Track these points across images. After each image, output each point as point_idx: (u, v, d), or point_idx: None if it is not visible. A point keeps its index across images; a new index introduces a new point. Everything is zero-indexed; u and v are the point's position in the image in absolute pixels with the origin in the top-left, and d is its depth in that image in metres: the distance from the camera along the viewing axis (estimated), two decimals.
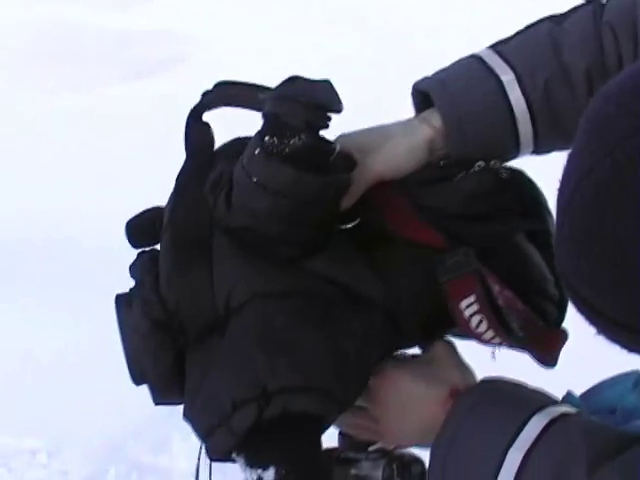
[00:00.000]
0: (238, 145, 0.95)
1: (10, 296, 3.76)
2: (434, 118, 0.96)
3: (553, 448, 0.76)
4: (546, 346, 0.94)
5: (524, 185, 1.01)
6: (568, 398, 0.87)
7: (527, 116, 0.95)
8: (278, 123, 0.85)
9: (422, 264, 0.94)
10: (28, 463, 2.82)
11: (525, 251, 0.99)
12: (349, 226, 0.97)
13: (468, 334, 0.93)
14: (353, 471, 1.15)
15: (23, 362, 3.40)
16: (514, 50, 0.97)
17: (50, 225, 3.96)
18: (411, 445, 0.95)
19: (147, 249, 0.99)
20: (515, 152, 1.00)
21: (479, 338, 0.93)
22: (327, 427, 0.93)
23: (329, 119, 0.87)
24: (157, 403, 0.97)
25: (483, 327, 0.91)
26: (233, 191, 0.90)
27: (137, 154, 4.36)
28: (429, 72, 1.01)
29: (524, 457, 0.77)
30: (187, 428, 1.00)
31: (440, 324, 0.97)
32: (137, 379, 0.95)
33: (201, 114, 0.97)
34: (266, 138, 0.85)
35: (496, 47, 0.99)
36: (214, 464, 0.96)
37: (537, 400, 0.83)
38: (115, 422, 2.93)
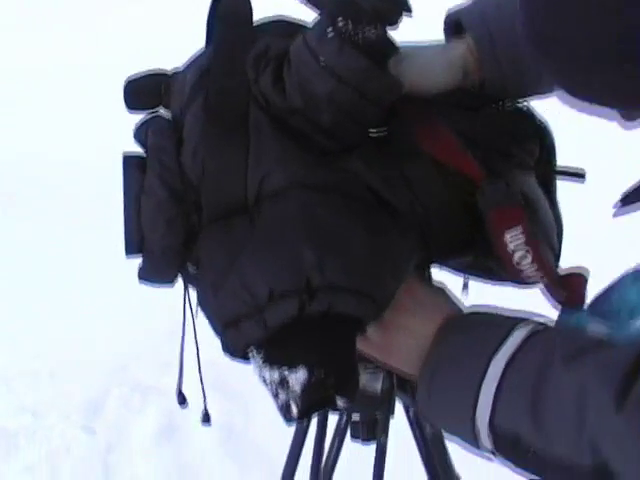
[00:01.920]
0: (284, 25, 0.90)
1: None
2: (467, 40, 0.92)
3: (536, 349, 0.75)
4: (573, 286, 0.92)
5: (547, 135, 0.99)
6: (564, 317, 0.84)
7: None
8: (354, 7, 0.81)
9: (454, 186, 0.90)
10: (30, 384, 2.82)
11: (539, 195, 0.97)
12: (375, 134, 0.91)
13: (506, 269, 0.90)
14: None
15: (25, 280, 3.40)
16: None
17: None
18: (406, 367, 0.90)
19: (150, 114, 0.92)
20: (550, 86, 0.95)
21: (518, 275, 0.90)
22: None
23: (400, 18, 0.83)
24: (143, 279, 0.91)
25: (527, 262, 0.88)
26: (289, 69, 0.84)
27: None
28: None
29: (507, 362, 0.75)
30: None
31: (466, 250, 0.95)
32: (133, 248, 0.89)
33: None
34: (340, 20, 0.80)
35: None
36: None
37: (520, 317, 0.81)
38: (118, 344, 2.92)
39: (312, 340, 0.80)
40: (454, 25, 0.95)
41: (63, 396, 2.76)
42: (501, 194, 0.88)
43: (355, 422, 1.18)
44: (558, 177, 1.02)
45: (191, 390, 2.83)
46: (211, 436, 2.58)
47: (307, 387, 0.78)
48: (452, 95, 0.93)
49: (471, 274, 1.06)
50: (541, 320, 0.81)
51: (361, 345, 0.89)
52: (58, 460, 2.46)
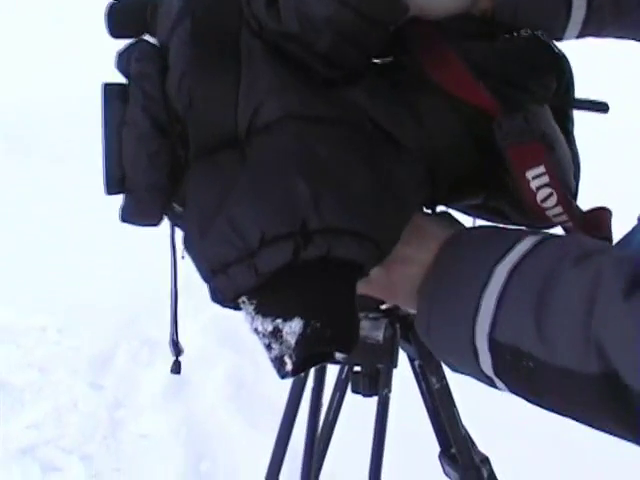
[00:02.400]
0: None
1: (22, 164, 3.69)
2: None
3: (545, 255, 0.69)
4: (598, 224, 0.86)
5: (566, 67, 0.91)
6: None
7: None
8: None
9: (466, 120, 0.83)
10: (38, 339, 2.77)
11: (556, 132, 0.89)
12: (379, 62, 0.83)
13: (529, 210, 0.83)
14: None
15: (33, 237, 3.35)
16: None
17: None
18: (414, 303, 0.82)
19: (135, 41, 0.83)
20: (563, 21, 0.90)
21: (541, 215, 0.83)
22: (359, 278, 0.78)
23: None
24: (125, 220, 0.81)
25: (552, 202, 0.81)
26: None
27: None
28: None
29: (513, 267, 0.68)
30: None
31: (477, 190, 0.88)
32: (113, 186, 0.81)
33: None
34: None
35: None
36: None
37: (532, 230, 0.75)
38: (126, 297, 2.87)
39: (308, 288, 0.72)
40: None
41: (71, 351, 2.72)
42: (519, 130, 0.81)
43: (356, 374, 1.10)
44: (578, 110, 0.93)
45: (200, 343, 2.78)
46: (221, 391, 2.53)
47: (302, 339, 0.69)
48: (463, 23, 0.86)
49: (481, 217, 0.98)
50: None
51: (364, 287, 0.81)
52: (64, 416, 2.42)
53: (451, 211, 0.92)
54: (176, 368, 1.01)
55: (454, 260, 0.75)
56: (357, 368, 1.10)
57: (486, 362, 0.69)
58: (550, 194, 0.81)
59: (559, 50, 0.90)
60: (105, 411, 2.44)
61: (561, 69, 0.91)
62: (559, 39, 0.91)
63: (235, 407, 2.46)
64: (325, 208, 0.72)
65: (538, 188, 0.81)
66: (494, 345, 0.68)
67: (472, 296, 0.69)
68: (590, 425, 0.65)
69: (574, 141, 0.93)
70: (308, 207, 0.71)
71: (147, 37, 0.84)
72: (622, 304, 0.60)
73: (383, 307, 1.06)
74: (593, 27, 0.91)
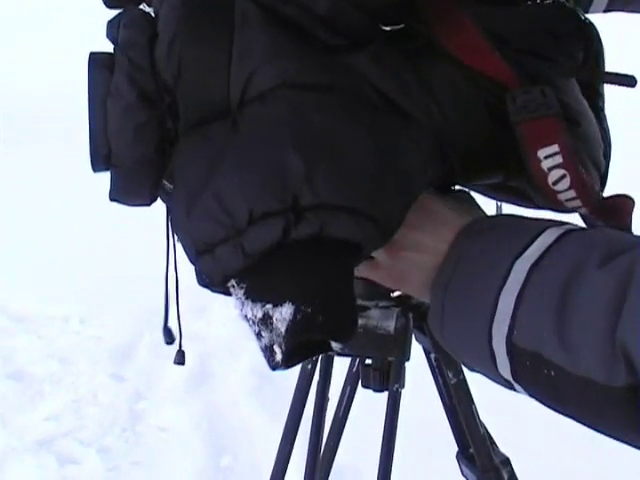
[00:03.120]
0: None
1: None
2: None
3: (568, 251, 0.62)
4: (619, 213, 0.79)
5: (594, 36, 0.83)
6: None
7: None
8: None
9: (481, 91, 0.76)
10: (60, 329, 2.74)
11: (583, 107, 0.83)
12: (388, 29, 0.76)
13: (540, 190, 0.76)
14: (360, 321, 0.96)
15: (58, 227, 3.32)
16: None
17: None
18: (423, 292, 0.75)
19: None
20: None
21: (554, 197, 0.76)
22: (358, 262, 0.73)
23: None
24: (114, 199, 0.77)
25: (564, 185, 0.74)
26: None
27: None
28: None
29: (534, 263, 0.62)
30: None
31: (495, 169, 0.81)
32: (99, 162, 0.75)
33: None
34: None
35: None
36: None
37: (555, 220, 0.68)
38: (150, 287, 2.82)
39: (299, 270, 0.66)
40: None
41: (92, 342, 2.68)
42: (535, 104, 0.73)
43: (367, 367, 1.02)
44: (605, 83, 0.86)
45: (225, 334, 2.74)
46: (244, 384, 2.48)
47: (292, 326, 0.63)
48: None
49: (501, 199, 0.90)
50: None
51: (371, 274, 0.76)
52: (83, 408, 2.37)
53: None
54: (179, 358, 0.95)
55: (470, 252, 0.68)
56: (369, 361, 1.03)
57: (504, 366, 0.64)
58: (563, 176, 0.74)
59: (586, 18, 0.83)
60: (125, 403, 2.40)
61: (589, 38, 0.83)
62: (585, 12, 0.84)
63: (258, 401, 2.41)
64: (319, 182, 0.66)
65: (550, 169, 0.73)
66: (513, 349, 0.62)
67: (489, 294, 0.64)
68: (616, 439, 0.59)
69: (605, 118, 0.86)
70: (300, 181, 0.66)
71: (143, 7, 0.78)
72: None
73: (394, 295, 0.98)
74: (620, 1, 0.86)
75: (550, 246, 0.63)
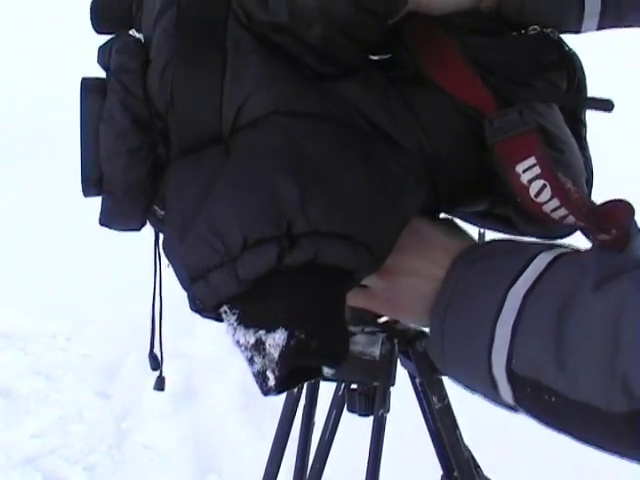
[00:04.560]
0: None
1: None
2: None
3: (561, 275, 0.63)
4: (616, 219, 0.77)
5: (576, 65, 0.85)
6: None
7: None
8: None
9: (468, 120, 0.77)
10: (47, 346, 2.73)
11: (566, 134, 0.84)
12: (377, 58, 0.79)
13: (527, 206, 0.77)
14: None
15: (45, 242, 3.32)
16: None
17: None
18: (419, 318, 0.76)
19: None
20: (577, 12, 0.83)
21: (539, 210, 0.76)
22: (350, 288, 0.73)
23: None
24: (105, 224, 0.78)
25: (546, 195, 0.74)
26: None
27: None
28: None
29: (528, 290, 0.63)
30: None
31: (481, 196, 0.82)
32: (91, 186, 0.76)
33: None
34: None
35: None
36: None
37: (549, 243, 0.70)
38: (137, 305, 2.82)
39: (293, 296, 0.67)
40: None
41: (79, 359, 2.68)
42: (512, 123, 0.75)
43: (353, 391, 1.03)
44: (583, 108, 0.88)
45: (210, 352, 2.72)
46: (230, 401, 2.48)
47: (285, 352, 0.64)
48: (467, 18, 0.81)
49: (486, 226, 0.91)
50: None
51: (365, 301, 0.78)
52: (69, 425, 2.37)
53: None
54: (159, 384, 0.95)
55: (466, 281, 0.70)
56: (354, 385, 1.04)
57: (507, 393, 0.65)
58: (543, 186, 0.74)
59: (570, 48, 0.84)
60: (111, 421, 2.39)
61: (572, 67, 0.84)
62: (577, 32, 0.85)
63: (244, 418, 2.41)
64: (313, 209, 0.67)
65: (530, 181, 0.74)
66: (513, 377, 0.64)
67: (486, 324, 0.65)
68: (622, 457, 0.60)
69: (587, 146, 0.87)
70: (294, 208, 0.66)
71: (132, 32, 0.80)
72: None
73: (380, 321, 0.99)
74: (612, 18, 0.85)
75: (543, 272, 0.63)
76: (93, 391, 2.51)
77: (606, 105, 0.85)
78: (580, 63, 0.85)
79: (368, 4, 0.71)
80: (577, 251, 0.67)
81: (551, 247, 0.68)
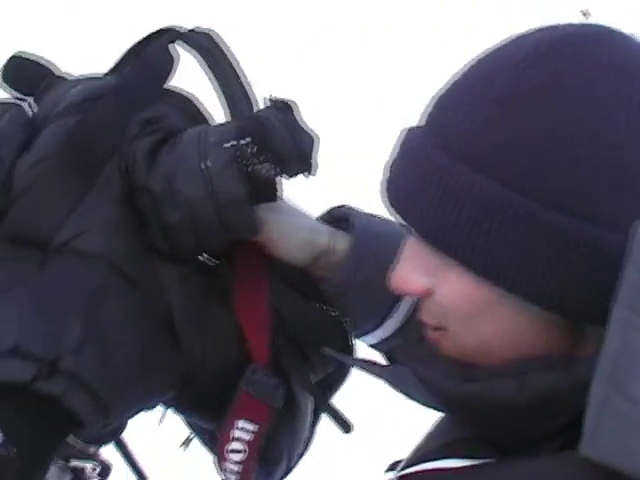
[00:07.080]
0: (192, 106, 0.88)
1: None
2: (342, 240, 0.89)
3: None
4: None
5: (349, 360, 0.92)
6: None
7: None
8: (269, 138, 0.80)
9: (241, 351, 0.86)
10: None
11: (306, 406, 0.92)
12: (205, 258, 0.87)
13: (215, 448, 0.87)
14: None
15: None
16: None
17: None
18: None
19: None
20: (375, 325, 0.92)
21: (223, 458, 0.85)
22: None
23: (297, 175, 0.83)
24: None
25: (237, 457, 0.84)
26: (170, 149, 0.81)
27: None
28: None
29: None
30: None
31: (216, 417, 0.88)
32: None
33: (175, 41, 0.87)
34: (246, 139, 0.79)
35: None
36: None
37: None
38: None
39: (18, 411, 0.74)
40: (341, 217, 0.92)
41: None
42: (265, 388, 0.84)
43: None
44: (325, 413, 0.95)
45: None
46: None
47: None
48: (296, 273, 0.89)
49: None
50: None
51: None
52: None
53: None
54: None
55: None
56: None
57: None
58: (242, 451, 0.82)
59: (351, 340, 0.92)
60: None
61: (346, 338, 0.92)
62: (365, 333, 0.92)
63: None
64: (85, 357, 0.73)
65: (235, 439, 0.82)
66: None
67: None
68: None
69: (317, 424, 0.95)
70: (70, 345, 0.73)
71: (29, 102, 0.85)
72: None
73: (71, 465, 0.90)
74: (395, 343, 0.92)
75: None
76: None
77: (345, 425, 0.93)
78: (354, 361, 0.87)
79: (229, 221, 0.79)
80: None
81: None
